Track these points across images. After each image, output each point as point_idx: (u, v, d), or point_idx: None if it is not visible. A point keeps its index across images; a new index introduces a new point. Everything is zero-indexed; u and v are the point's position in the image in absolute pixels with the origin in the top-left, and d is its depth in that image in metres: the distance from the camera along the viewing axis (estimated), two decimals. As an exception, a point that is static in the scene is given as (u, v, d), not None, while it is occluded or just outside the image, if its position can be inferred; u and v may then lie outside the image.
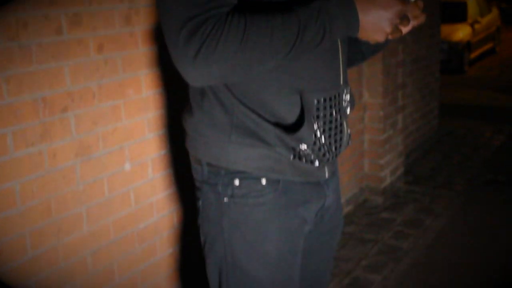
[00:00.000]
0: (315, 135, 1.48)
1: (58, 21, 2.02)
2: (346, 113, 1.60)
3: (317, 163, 1.52)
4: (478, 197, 4.47)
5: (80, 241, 2.14)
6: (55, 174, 2.04)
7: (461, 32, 11.13)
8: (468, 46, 11.37)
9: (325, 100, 1.49)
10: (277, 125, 1.46)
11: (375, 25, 1.37)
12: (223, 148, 1.50)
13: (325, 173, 1.60)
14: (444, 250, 3.67)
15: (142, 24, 2.34)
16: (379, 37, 1.39)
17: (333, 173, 1.67)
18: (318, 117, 1.48)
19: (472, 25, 11.75)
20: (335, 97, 1.52)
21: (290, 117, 1.47)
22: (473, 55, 11.96)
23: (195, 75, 1.30)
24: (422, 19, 1.43)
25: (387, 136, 4.30)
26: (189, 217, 2.63)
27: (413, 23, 1.43)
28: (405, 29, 1.44)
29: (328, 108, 1.50)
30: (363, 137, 4.30)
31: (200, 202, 1.60)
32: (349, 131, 1.62)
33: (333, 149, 1.54)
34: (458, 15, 11.52)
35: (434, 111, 5.78)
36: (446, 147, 5.60)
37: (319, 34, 1.32)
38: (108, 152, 2.23)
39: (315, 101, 1.48)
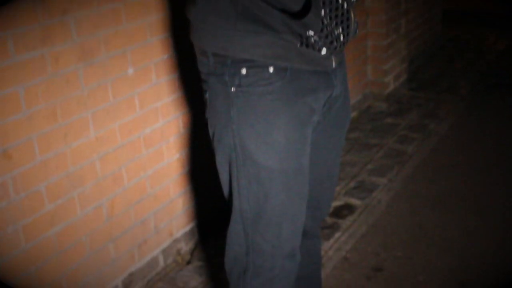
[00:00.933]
0: (322, 22, 1.45)
1: None
2: (352, 1, 1.56)
3: (324, 51, 1.50)
4: (482, 101, 4.45)
5: (87, 146, 2.14)
6: (59, 79, 2.01)
7: None
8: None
9: None
10: (284, 11, 1.43)
11: None
12: (229, 37, 1.47)
13: (332, 62, 1.58)
14: (449, 153, 3.69)
15: None
16: None
17: (340, 64, 1.65)
18: (324, 3, 1.45)
19: None
20: None
21: (297, 3, 1.44)
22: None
23: None
24: None
25: (390, 41, 4.24)
26: (195, 123, 2.62)
27: None
28: None
29: None
30: (366, 43, 4.24)
31: (207, 95, 1.59)
32: (356, 19, 1.58)
33: (341, 37, 1.52)
34: None
35: (437, 16, 5.68)
36: (449, 52, 5.53)
37: None
38: (111, 56, 2.19)
39: None
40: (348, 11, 1.51)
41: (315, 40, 1.46)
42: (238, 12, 1.44)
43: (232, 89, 1.50)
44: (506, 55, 5.45)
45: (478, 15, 6.72)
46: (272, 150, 1.53)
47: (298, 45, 1.46)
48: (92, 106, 2.15)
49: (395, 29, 4.30)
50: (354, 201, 3.10)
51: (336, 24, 1.48)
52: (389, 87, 4.31)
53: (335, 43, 1.50)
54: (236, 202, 1.61)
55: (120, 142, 2.27)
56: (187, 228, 2.69)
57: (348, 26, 1.52)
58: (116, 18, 2.20)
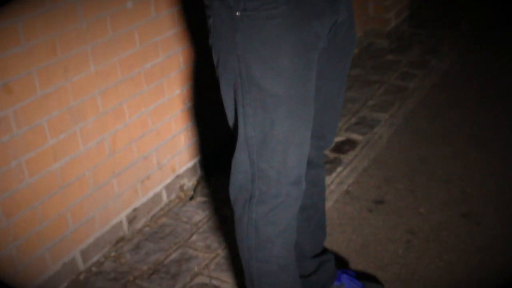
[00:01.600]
0: None
1: None
2: None
3: None
4: (484, 37, 4.40)
5: (88, 80, 2.12)
6: (57, 11, 1.97)
7: None
8: None
9: None
10: None
11: None
12: None
13: None
14: (450, 89, 3.67)
15: None
16: None
17: None
18: None
19: None
20: None
21: None
22: None
23: None
24: None
25: (392, -24, 4.17)
26: (196, 58, 2.59)
27: None
28: None
29: None
30: (367, -22, 4.17)
31: (210, 20, 1.56)
32: None
33: None
34: None
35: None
36: (451, -11, 5.45)
37: None
38: (109, -11, 2.16)
39: None
40: None
41: None
42: None
43: (237, 13, 1.47)
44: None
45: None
46: (278, 76, 1.51)
47: None
48: (92, 40, 2.12)
49: (397, -36, 4.22)
50: (355, 137, 3.10)
51: None
52: (391, 23, 4.26)
53: None
54: (241, 129, 1.60)
55: (121, 77, 2.25)
56: (190, 164, 2.70)
57: None
58: (112, -51, 2.16)
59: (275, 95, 1.52)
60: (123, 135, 2.30)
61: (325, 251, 2.09)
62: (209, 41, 1.60)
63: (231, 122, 1.68)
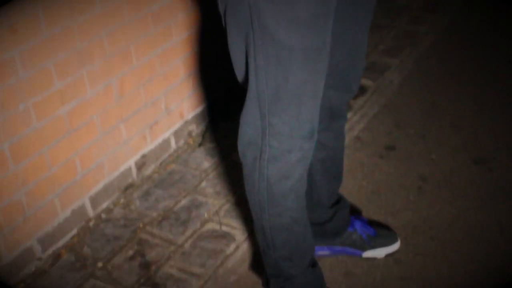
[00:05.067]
0: None
1: None
2: None
3: None
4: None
5: (94, 21, 2.05)
6: None
7: None
8: None
9: None
10: None
11: None
12: None
13: None
14: (461, 32, 3.58)
15: None
16: None
17: None
18: None
19: None
20: None
21: None
22: None
23: None
24: None
25: None
26: (204, 1, 2.51)
27: None
28: None
29: None
30: None
31: (224, 4, 1.45)
32: None
33: None
34: None
35: None
36: None
37: None
38: None
39: None
40: None
41: None
42: None
43: None
44: None
45: None
46: (294, 26, 1.40)
47: None
48: (97, -21, 2.04)
49: None
50: (365, 82, 3.04)
51: None
52: (401, -34, 4.14)
53: None
54: (252, 83, 1.51)
55: (128, 18, 2.17)
56: (198, 110, 2.65)
57: None
58: None
59: (289, 46, 1.42)
60: (131, 78, 2.24)
61: (340, 198, 2.06)
62: (223, 24, 1.48)
63: (240, 74, 1.58)
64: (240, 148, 1.64)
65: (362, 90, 2.97)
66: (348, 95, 1.81)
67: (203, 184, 2.38)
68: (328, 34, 1.48)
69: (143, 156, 2.39)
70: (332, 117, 1.76)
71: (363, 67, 1.81)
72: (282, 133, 1.55)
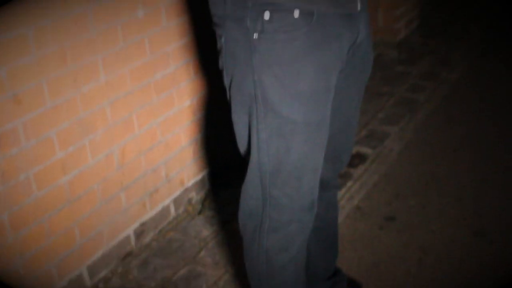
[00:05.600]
0: None
1: None
2: None
3: None
4: (494, 48, 4.35)
5: (97, 91, 2.07)
6: (68, 20, 1.92)
7: None
8: None
9: None
10: None
11: None
12: None
13: (357, 4, 1.48)
14: (460, 101, 3.62)
15: None
16: None
17: (364, 7, 1.55)
18: None
19: None
20: None
21: None
22: None
23: None
24: None
25: (402, -14, 4.12)
26: (207, 67, 2.54)
27: None
28: None
29: None
30: (377, -12, 4.12)
31: (222, 40, 1.47)
32: None
33: None
34: None
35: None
36: (460, -2, 5.40)
37: None
38: (120, -3, 2.11)
39: None
40: None
41: None
42: None
43: (255, 35, 1.38)
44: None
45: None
46: (297, 101, 1.44)
47: None
48: (102, 49, 2.07)
49: (407, -27, 4.18)
50: (365, 150, 3.05)
51: None
52: (400, 34, 4.22)
53: None
54: (254, 155, 1.53)
55: (131, 87, 2.20)
56: (198, 177, 2.65)
57: None
58: (126, -43, 2.11)
59: (292, 121, 1.45)
60: (132, 147, 2.25)
61: (337, 271, 2.04)
62: (220, 62, 1.51)
63: (242, 146, 1.60)
64: (240, 218, 1.65)
65: (362, 158, 2.98)
66: (339, 167, 1.84)
67: (202, 253, 2.36)
68: (329, 109, 1.52)
69: (142, 224, 2.38)
70: (322, 187, 1.77)
71: (354, 139, 1.84)
72: (283, 204, 1.56)
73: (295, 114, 1.46)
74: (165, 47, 2.33)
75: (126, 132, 2.22)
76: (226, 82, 1.53)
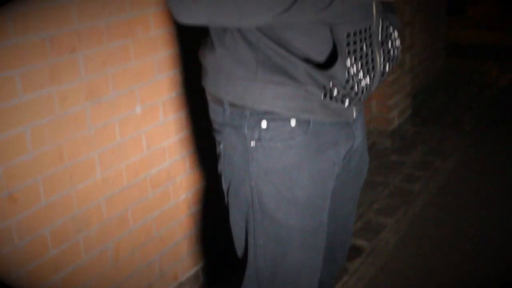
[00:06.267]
0: (348, 73, 1.37)
1: (62, -45, 1.89)
2: (381, 46, 1.46)
3: (347, 103, 1.42)
4: (486, 138, 4.41)
5: (93, 187, 2.07)
6: (66, 118, 1.94)
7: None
8: (469, -15, 11.10)
9: (355, 34, 1.38)
10: (307, 61, 1.35)
11: None
12: (248, 86, 1.38)
13: (353, 112, 1.50)
14: (456, 192, 3.63)
15: (149, -41, 2.21)
16: None
17: (360, 112, 1.57)
18: (349, 52, 1.37)
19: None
20: (365, 30, 1.40)
21: (321, 53, 1.36)
22: (474, -6, 11.70)
23: (180, 11, 1.19)
24: None
25: (395, 76, 4.19)
26: (202, 162, 2.55)
27: None
28: None
29: (358, 42, 1.39)
30: (371, 78, 4.19)
31: (221, 147, 1.49)
32: (385, 67, 1.48)
33: (365, 90, 1.43)
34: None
35: (440, 51, 5.66)
36: (452, 87, 5.49)
37: None
38: (119, 95, 2.13)
39: (345, 35, 1.36)
40: (373, 59, 1.43)
41: (338, 91, 1.38)
42: (259, 61, 1.35)
43: (252, 143, 1.41)
44: (509, 89, 5.42)
45: (481, 48, 6.73)
46: (293, 208, 1.45)
47: (322, 97, 1.38)
48: (99, 146, 2.08)
49: (400, 64, 4.26)
50: (361, 243, 3.02)
51: (363, 73, 1.40)
52: (394, 123, 4.26)
53: (359, 95, 1.42)
54: (251, 259, 1.53)
55: (127, 183, 2.20)
56: (192, 271, 2.61)
57: (374, 76, 1.44)
58: (125, 55, 2.15)
59: (289, 227, 1.46)
60: (127, 242, 2.23)
61: None
62: (218, 167, 1.53)
63: (239, 249, 1.60)
64: None
65: (358, 251, 2.95)
66: (334, 268, 1.82)
67: None
68: (325, 214, 1.52)
69: (134, 321, 2.33)
70: (319, 287, 1.74)
71: (350, 240, 1.84)
72: None
73: (291, 221, 1.46)
74: (162, 142, 2.35)
75: (121, 228, 2.20)
76: (224, 186, 1.54)
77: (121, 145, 2.16)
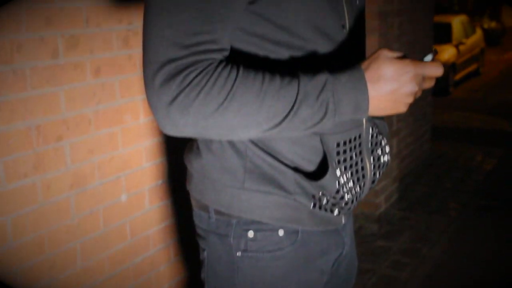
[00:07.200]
0: (339, 183, 1.34)
1: (54, 43, 1.90)
2: (371, 153, 1.44)
3: (336, 212, 1.38)
4: (472, 223, 4.39)
5: (74, 278, 2.01)
6: (49, 207, 1.90)
7: (446, 53, 11.10)
8: (453, 67, 11.37)
9: (345, 143, 1.35)
10: (297, 170, 1.32)
11: (394, 102, 1.21)
12: (235, 195, 1.32)
13: (341, 219, 1.46)
14: (443, 280, 3.57)
15: (140, 47, 2.21)
16: (402, 110, 1.27)
17: (349, 217, 1.54)
18: (339, 162, 1.34)
19: (457, 46, 11.76)
20: (355, 138, 1.38)
21: (311, 162, 1.33)
22: (458, 76, 11.96)
23: (167, 124, 1.13)
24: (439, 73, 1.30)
25: (382, 161, 4.20)
26: (186, 251, 2.50)
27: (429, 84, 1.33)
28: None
29: (348, 151, 1.36)
30: (358, 162, 4.19)
31: (205, 254, 1.42)
32: (375, 174, 1.46)
33: (355, 199, 1.40)
34: (443, 36, 11.51)
35: (426, 134, 5.71)
36: (438, 171, 5.52)
37: (318, 112, 1.16)
38: (104, 183, 2.10)
39: (335, 144, 1.34)
40: (363, 167, 1.40)
41: (328, 201, 1.34)
42: (247, 169, 1.31)
43: (238, 253, 1.35)
44: (493, 175, 5.45)
45: (466, 132, 6.81)
46: None
47: (311, 206, 1.34)
48: (82, 235, 2.03)
49: (387, 149, 4.28)
50: (347, 334, 2.94)
51: (353, 182, 1.37)
52: (381, 207, 4.25)
53: (349, 204, 1.39)
54: None
55: (108, 273, 2.14)
56: None
57: (364, 184, 1.42)
58: (113, 142, 2.13)
59: None
60: (105, 336, 2.15)
61: None
62: (201, 275, 1.47)
63: None
64: None
65: None
66: None
67: None
68: None
69: None
70: None
71: None
72: None
73: None
74: (146, 231, 2.30)
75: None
76: None
77: (104, 234, 2.11)
